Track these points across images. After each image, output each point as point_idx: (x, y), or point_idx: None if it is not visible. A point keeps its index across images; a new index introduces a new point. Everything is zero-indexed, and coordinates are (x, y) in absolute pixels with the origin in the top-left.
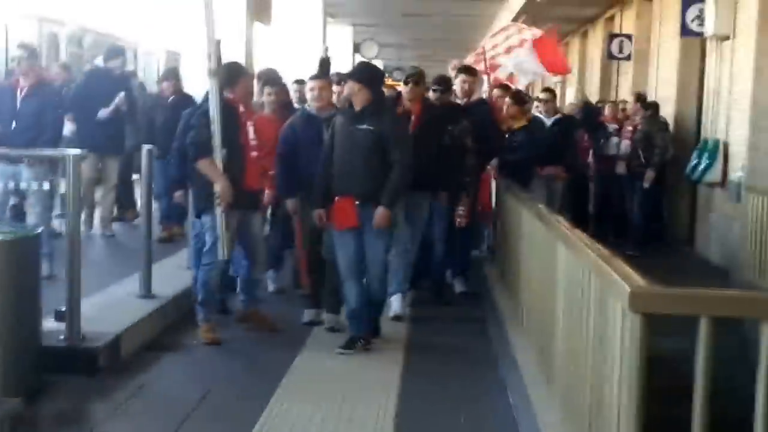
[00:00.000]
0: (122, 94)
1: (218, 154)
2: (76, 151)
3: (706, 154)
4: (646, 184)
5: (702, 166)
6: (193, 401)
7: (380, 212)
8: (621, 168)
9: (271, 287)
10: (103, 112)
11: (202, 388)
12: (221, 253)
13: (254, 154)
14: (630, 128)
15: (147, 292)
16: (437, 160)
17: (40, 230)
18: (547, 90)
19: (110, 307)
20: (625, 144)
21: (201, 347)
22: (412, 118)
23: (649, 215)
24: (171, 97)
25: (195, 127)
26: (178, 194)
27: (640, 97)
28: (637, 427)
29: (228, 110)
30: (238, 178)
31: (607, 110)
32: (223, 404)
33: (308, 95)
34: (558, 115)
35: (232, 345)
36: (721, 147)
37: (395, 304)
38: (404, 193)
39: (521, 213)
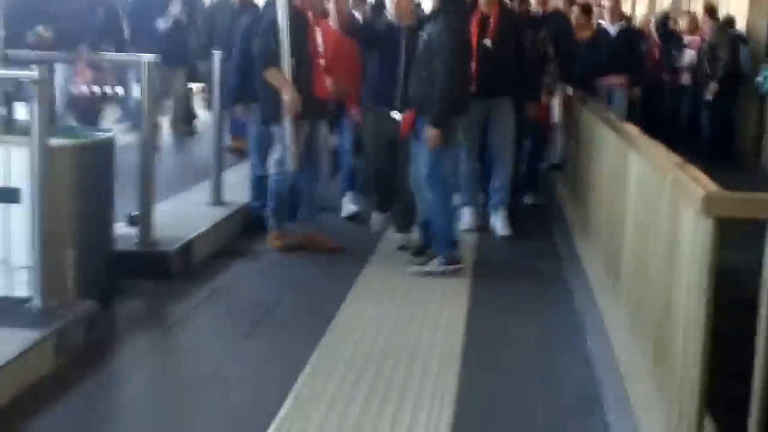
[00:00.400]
0: (176, 3)
1: (286, 63)
2: (150, 56)
3: None
4: (708, 97)
5: None
6: (266, 305)
7: (426, 131)
8: (686, 79)
9: (346, 211)
10: (161, 23)
11: (274, 293)
12: (291, 164)
13: (322, 62)
14: (697, 39)
15: (218, 200)
16: (517, 66)
17: (112, 134)
18: None
19: (181, 213)
20: (690, 55)
21: (271, 254)
22: (490, 22)
23: (717, 129)
24: (236, 3)
25: (261, 35)
26: (238, 108)
27: (710, 9)
28: (706, 329)
29: (296, 17)
30: (307, 86)
31: (682, 23)
32: (296, 307)
33: (388, 3)
34: (623, 22)
35: (301, 254)
36: None
37: (465, 215)
38: (451, 109)
39: (592, 122)
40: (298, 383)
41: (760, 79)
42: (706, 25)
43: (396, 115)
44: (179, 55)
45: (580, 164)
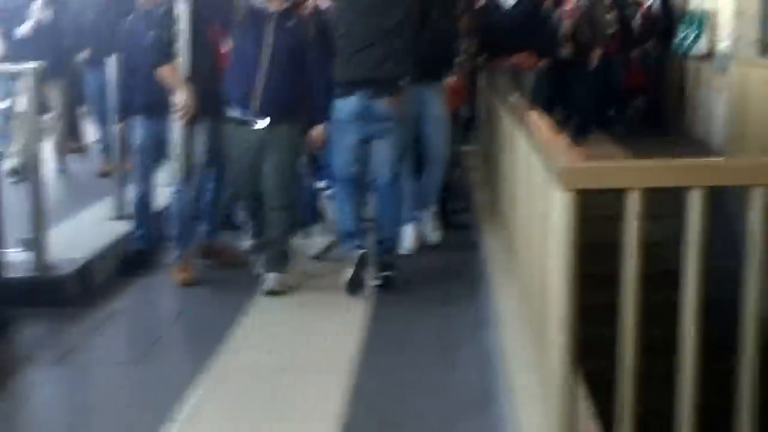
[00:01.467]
0: (38, 3)
1: (184, 59)
2: (34, 65)
3: (693, 26)
4: (592, 65)
5: (689, 39)
6: (162, 327)
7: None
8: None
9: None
10: (20, 30)
11: (171, 314)
12: (181, 173)
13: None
14: (568, 8)
15: (121, 215)
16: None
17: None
18: None
19: (81, 233)
20: (566, 25)
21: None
22: None
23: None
24: None
25: (156, 29)
26: (121, 125)
27: None
28: (572, 310)
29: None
30: (208, 82)
31: None
32: (191, 327)
33: None
34: None
35: (202, 270)
36: (707, 17)
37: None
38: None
39: (492, 103)
40: (186, 405)
41: (680, 38)
42: None
43: (259, 122)
44: (52, 66)
45: (484, 146)
